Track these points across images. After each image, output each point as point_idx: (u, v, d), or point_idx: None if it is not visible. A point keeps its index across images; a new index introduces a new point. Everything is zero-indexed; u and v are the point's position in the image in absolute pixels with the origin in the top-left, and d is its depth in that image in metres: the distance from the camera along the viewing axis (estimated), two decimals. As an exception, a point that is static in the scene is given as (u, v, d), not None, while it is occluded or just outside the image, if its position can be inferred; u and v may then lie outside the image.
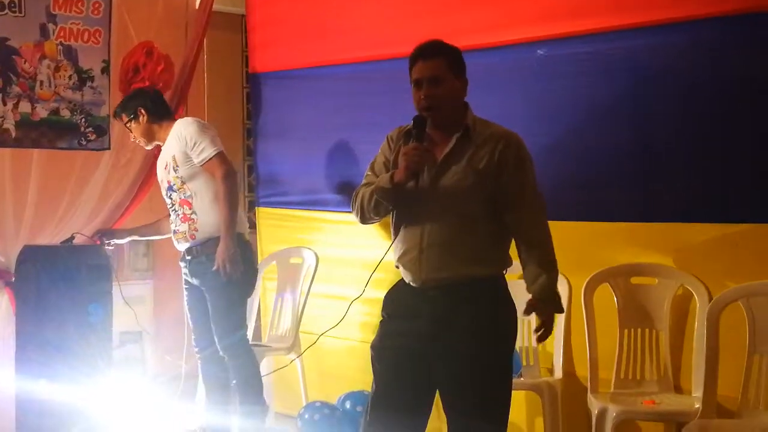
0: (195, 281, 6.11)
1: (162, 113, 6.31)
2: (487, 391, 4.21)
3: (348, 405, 5.80)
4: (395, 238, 4.34)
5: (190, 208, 6.07)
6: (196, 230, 6.05)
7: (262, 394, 6.16)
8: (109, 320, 6.33)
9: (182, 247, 6.17)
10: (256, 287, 6.30)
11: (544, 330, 4.27)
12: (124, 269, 7.29)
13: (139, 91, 6.52)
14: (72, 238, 6.56)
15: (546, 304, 4.26)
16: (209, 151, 5.94)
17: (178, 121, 6.21)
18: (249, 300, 6.23)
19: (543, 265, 4.23)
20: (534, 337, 4.39)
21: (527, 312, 4.27)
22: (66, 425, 6.04)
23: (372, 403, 4.38)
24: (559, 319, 5.70)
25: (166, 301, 7.46)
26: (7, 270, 6.50)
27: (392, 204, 4.25)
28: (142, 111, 6.27)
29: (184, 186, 6.07)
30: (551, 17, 5.77)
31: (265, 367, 6.63)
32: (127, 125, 6.38)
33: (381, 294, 6.63)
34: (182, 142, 6.03)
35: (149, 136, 6.30)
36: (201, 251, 6.04)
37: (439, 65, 4.22)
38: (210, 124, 6.34)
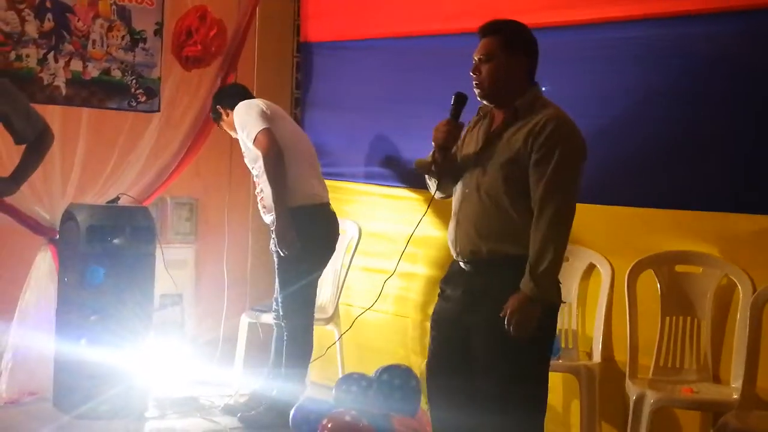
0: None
1: (234, 104, 6.35)
2: (514, 366, 4.19)
3: (385, 377, 5.79)
4: None
5: (259, 186, 6.22)
6: (264, 207, 6.21)
7: (303, 358, 6.21)
8: (151, 282, 6.36)
9: (265, 220, 6.34)
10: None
11: (512, 317, 4.09)
12: (167, 232, 7.31)
13: (218, 91, 6.78)
14: (117, 198, 6.59)
15: (523, 297, 4.10)
16: (254, 132, 6.03)
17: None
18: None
19: (532, 266, 4.12)
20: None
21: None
22: (103, 387, 6.08)
23: (426, 368, 4.53)
24: (600, 304, 5.69)
25: (207, 265, 7.48)
26: (51, 227, 6.54)
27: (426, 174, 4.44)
28: (222, 108, 6.49)
29: (254, 167, 6.23)
30: (608, 1, 5.72)
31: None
32: (222, 126, 6.62)
33: (415, 269, 6.67)
34: (239, 129, 6.17)
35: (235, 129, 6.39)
36: (272, 225, 6.14)
37: (490, 43, 4.24)
38: (261, 97, 6.39)
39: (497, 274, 4.22)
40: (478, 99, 4.31)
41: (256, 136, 6.00)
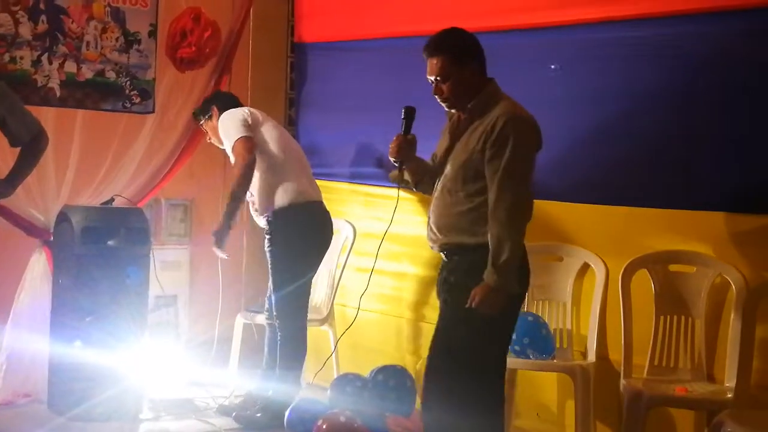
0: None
1: (225, 109, 6.34)
2: (455, 347, 4.48)
3: (380, 378, 5.80)
4: None
5: (249, 191, 6.21)
6: (257, 210, 6.25)
7: (297, 360, 6.22)
8: (145, 284, 6.36)
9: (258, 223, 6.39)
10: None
11: (479, 307, 4.33)
12: (161, 234, 7.31)
13: (216, 92, 6.83)
14: (112, 200, 6.58)
15: (486, 287, 4.34)
16: (233, 141, 6.07)
17: None
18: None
19: (492, 256, 4.34)
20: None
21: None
22: (98, 389, 6.08)
23: None
24: (595, 303, 5.70)
25: (202, 266, 7.47)
26: (45, 229, 6.53)
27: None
28: (215, 109, 6.41)
29: None
30: (602, 0, 5.72)
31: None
32: (203, 126, 6.57)
33: (409, 269, 6.67)
34: (223, 138, 6.22)
35: (219, 135, 6.37)
36: (265, 226, 6.24)
37: (440, 64, 4.47)
38: (256, 97, 6.42)
39: (457, 260, 4.53)
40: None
41: (233, 145, 6.04)
